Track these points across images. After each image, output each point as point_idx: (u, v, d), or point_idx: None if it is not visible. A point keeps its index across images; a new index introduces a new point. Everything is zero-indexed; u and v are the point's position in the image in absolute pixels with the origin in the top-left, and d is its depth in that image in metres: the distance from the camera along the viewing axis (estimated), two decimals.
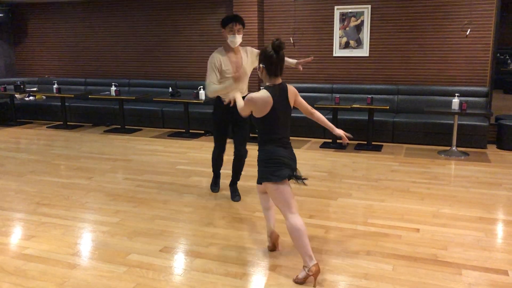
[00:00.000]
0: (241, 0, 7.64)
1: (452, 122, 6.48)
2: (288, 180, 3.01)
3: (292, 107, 3.09)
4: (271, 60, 2.90)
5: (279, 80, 2.99)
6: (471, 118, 6.60)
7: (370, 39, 7.37)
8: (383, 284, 2.92)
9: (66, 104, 8.84)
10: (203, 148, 6.83)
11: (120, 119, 8.20)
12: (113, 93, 7.96)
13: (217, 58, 4.13)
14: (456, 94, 6.35)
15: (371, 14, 7.28)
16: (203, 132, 7.96)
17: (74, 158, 6.28)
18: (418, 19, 7.08)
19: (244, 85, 4.27)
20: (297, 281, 2.93)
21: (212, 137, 5.58)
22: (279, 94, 2.96)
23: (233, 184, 4.64)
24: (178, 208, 4.34)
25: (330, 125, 3.29)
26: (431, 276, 3.01)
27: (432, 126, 6.70)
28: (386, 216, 4.06)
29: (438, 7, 6.93)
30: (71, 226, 3.93)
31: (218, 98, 4.26)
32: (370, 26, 7.33)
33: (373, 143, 6.85)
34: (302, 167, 5.64)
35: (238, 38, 4.08)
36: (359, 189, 4.83)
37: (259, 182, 3.19)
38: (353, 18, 7.39)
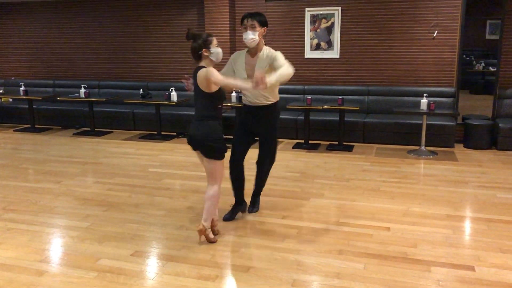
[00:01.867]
0: (212, 1, 7.62)
1: (421, 122, 6.62)
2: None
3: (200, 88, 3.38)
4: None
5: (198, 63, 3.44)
6: (439, 118, 6.76)
7: (340, 40, 7.46)
8: (355, 283, 2.95)
9: (34, 106, 8.61)
10: (175, 150, 6.77)
11: (90, 122, 8.05)
12: (82, 95, 7.81)
13: (235, 55, 3.84)
14: (424, 95, 6.49)
15: (342, 16, 7.37)
16: (175, 134, 7.89)
17: (43, 162, 6.13)
18: (387, 21, 7.21)
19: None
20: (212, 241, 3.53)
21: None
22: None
23: (256, 195, 4.24)
24: (149, 211, 4.29)
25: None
26: (401, 273, 3.07)
27: (402, 126, 6.83)
28: (358, 216, 4.11)
29: (406, 9, 7.07)
30: (39, 231, 3.83)
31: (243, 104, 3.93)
32: (341, 28, 7.42)
33: (344, 143, 6.93)
34: (274, 168, 5.66)
35: (251, 35, 3.61)
36: (331, 189, 4.88)
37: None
38: (323, 20, 7.47)
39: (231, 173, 3.96)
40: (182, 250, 3.44)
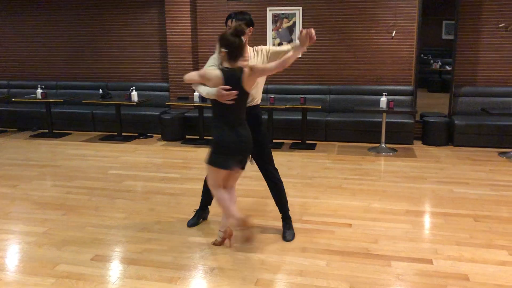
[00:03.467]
0: (173, 0, 7.53)
1: (381, 120, 6.76)
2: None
3: (249, 90, 3.12)
4: (234, 45, 3.01)
5: (236, 64, 3.08)
6: (398, 116, 6.93)
7: None
8: (317, 280, 2.98)
9: None
10: (137, 151, 6.66)
11: (47, 123, 7.80)
12: (39, 95, 7.56)
13: (213, 60, 3.41)
14: (384, 93, 6.64)
15: (303, 15, 7.44)
16: (136, 134, 7.75)
17: None
18: (347, 21, 7.32)
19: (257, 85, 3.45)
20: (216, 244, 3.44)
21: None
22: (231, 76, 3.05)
23: (283, 219, 3.74)
24: (110, 214, 4.19)
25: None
26: (362, 269, 3.12)
27: (362, 124, 6.95)
28: (320, 213, 4.15)
29: (366, 9, 7.21)
30: None
31: None
32: (302, 28, 7.48)
33: (307, 141, 7.00)
34: None
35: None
36: (294, 187, 4.91)
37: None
38: (285, 20, 7.51)
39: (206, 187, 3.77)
40: (143, 253, 3.38)
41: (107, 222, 4.00)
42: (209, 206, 4.02)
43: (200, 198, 3.96)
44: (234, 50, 3.02)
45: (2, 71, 9.05)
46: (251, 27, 3.41)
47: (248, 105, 3.33)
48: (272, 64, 3.10)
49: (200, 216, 3.97)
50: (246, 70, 3.06)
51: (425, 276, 3.02)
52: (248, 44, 3.43)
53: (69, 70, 8.71)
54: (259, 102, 3.54)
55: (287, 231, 3.64)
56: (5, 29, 8.82)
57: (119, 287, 2.91)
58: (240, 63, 3.10)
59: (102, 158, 6.27)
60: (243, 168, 3.36)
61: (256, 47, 3.49)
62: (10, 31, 8.82)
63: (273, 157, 3.61)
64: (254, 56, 3.46)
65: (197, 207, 4.00)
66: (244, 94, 3.11)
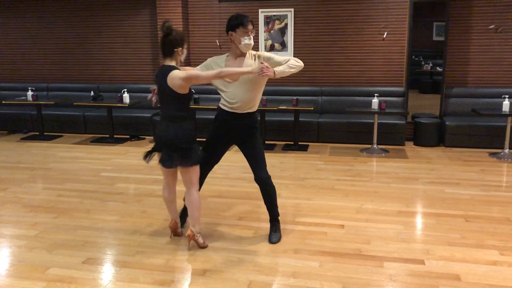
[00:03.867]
0: (165, 2, 7.51)
1: (373, 121, 6.79)
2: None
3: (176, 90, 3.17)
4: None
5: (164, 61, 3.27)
6: (390, 117, 6.96)
7: (294, 42, 7.54)
8: (310, 281, 2.98)
9: None
10: (129, 153, 6.63)
11: (38, 126, 7.75)
12: (29, 98, 7.51)
13: (215, 59, 3.50)
14: (376, 95, 6.67)
15: (294, 17, 7.45)
16: (128, 137, 7.72)
17: None
18: (339, 23, 7.35)
19: (251, 94, 3.40)
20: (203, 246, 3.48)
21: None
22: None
23: (270, 221, 3.70)
24: (102, 217, 4.17)
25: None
26: (355, 270, 3.12)
27: (354, 125, 6.98)
28: (313, 214, 4.16)
29: (357, 11, 7.24)
30: None
31: (219, 107, 3.56)
32: (294, 29, 7.50)
33: (299, 143, 7.01)
34: (232, 169, 5.65)
35: (252, 40, 3.39)
36: (287, 188, 4.91)
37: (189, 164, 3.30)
38: (277, 21, 7.52)
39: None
40: (136, 256, 3.37)
41: (99, 224, 3.97)
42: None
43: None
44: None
45: None
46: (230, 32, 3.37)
47: (241, 111, 3.41)
48: (209, 72, 3.12)
49: (185, 217, 3.89)
50: (175, 70, 3.15)
51: (417, 276, 3.03)
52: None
53: (60, 72, 8.66)
54: (252, 110, 3.47)
55: (273, 234, 3.63)
56: None
57: None
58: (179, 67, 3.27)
59: (93, 160, 6.23)
60: (176, 166, 3.32)
61: (255, 52, 3.47)
62: (0, 33, 8.75)
63: (266, 159, 3.59)
64: (252, 60, 3.43)
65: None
66: (168, 93, 3.18)
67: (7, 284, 2.98)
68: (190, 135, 3.24)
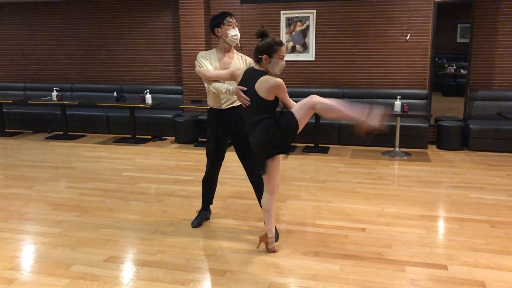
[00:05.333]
0: (188, 3, 7.57)
1: (395, 123, 6.71)
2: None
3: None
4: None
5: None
6: (413, 120, 6.87)
7: (315, 43, 7.51)
8: (330, 284, 2.96)
9: (3, 110, 8.40)
10: (150, 153, 6.70)
11: (62, 125, 7.89)
12: (54, 98, 7.65)
13: (204, 53, 3.62)
14: (398, 97, 6.59)
15: (316, 19, 7.43)
16: (150, 137, 7.80)
17: (13, 166, 5.97)
18: (361, 24, 7.29)
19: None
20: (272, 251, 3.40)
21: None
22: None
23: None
24: (123, 216, 4.22)
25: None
26: (376, 274, 3.09)
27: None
28: (333, 217, 4.13)
29: (380, 13, 7.17)
30: (9, 238, 3.72)
31: (211, 107, 3.71)
32: (316, 31, 7.48)
33: (320, 145, 6.98)
34: None
35: (238, 31, 3.60)
36: (307, 190, 4.89)
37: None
38: (299, 23, 7.51)
39: (206, 182, 3.88)
40: (157, 255, 3.40)
41: (121, 223, 4.03)
42: (210, 206, 4.09)
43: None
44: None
45: (18, 73, 9.19)
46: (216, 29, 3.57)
47: (230, 106, 3.56)
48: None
49: (204, 216, 4.00)
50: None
51: (440, 282, 2.98)
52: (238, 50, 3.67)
53: (84, 72, 8.81)
54: (237, 104, 3.62)
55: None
56: (21, 32, 8.96)
57: None
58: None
59: (116, 160, 6.32)
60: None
61: (242, 54, 3.72)
62: (26, 35, 8.95)
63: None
64: (239, 60, 3.67)
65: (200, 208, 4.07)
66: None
67: (32, 280, 3.04)
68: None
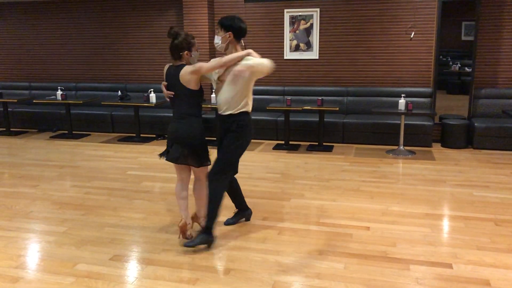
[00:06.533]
0: (192, 2, 7.58)
1: (399, 122, 6.70)
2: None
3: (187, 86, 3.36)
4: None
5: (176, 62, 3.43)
6: (417, 118, 6.85)
7: (319, 42, 7.50)
8: (335, 283, 2.96)
9: (9, 109, 8.44)
10: (155, 152, 6.71)
11: (67, 124, 7.92)
12: (59, 97, 7.68)
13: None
14: (402, 95, 6.57)
15: (320, 17, 7.41)
16: (154, 136, 7.82)
17: (18, 165, 6.00)
18: (365, 23, 7.27)
19: (227, 94, 3.42)
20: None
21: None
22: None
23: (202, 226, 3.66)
24: (128, 214, 4.23)
25: None
26: (381, 272, 3.09)
27: (380, 126, 6.90)
28: (338, 215, 4.13)
29: (384, 11, 7.15)
30: (14, 237, 3.74)
31: (216, 111, 3.67)
32: (319, 29, 7.46)
33: (324, 143, 6.97)
34: (255, 169, 5.66)
35: (216, 39, 3.46)
36: (311, 189, 4.89)
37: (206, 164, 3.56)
38: (302, 21, 7.49)
39: (231, 193, 3.86)
40: (161, 254, 3.41)
41: (126, 222, 4.04)
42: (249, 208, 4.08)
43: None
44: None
45: (23, 73, 9.22)
46: (229, 32, 3.42)
47: (223, 113, 3.45)
48: (220, 61, 3.34)
49: (240, 216, 3.99)
50: (185, 66, 3.36)
51: (444, 280, 2.98)
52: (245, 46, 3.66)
53: (88, 72, 8.83)
54: (232, 111, 3.43)
55: (199, 234, 3.49)
56: (26, 32, 8.99)
57: (137, 287, 2.93)
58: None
59: (120, 159, 6.34)
60: (195, 165, 3.48)
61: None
62: (31, 34, 8.98)
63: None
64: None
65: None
66: (180, 90, 3.37)
67: (38, 279, 3.06)
68: (201, 133, 3.43)
